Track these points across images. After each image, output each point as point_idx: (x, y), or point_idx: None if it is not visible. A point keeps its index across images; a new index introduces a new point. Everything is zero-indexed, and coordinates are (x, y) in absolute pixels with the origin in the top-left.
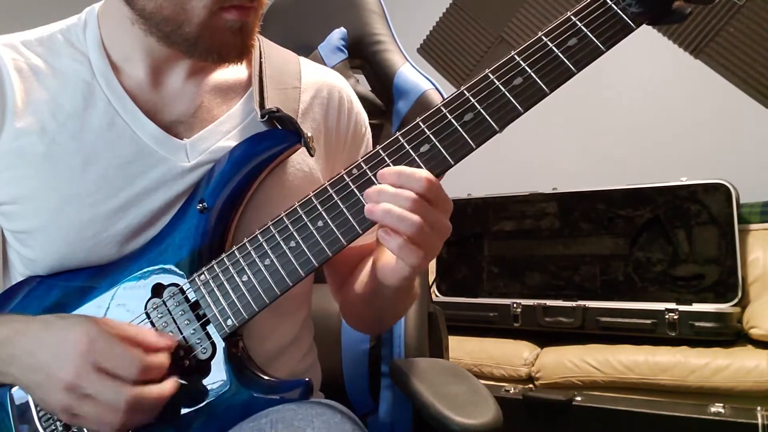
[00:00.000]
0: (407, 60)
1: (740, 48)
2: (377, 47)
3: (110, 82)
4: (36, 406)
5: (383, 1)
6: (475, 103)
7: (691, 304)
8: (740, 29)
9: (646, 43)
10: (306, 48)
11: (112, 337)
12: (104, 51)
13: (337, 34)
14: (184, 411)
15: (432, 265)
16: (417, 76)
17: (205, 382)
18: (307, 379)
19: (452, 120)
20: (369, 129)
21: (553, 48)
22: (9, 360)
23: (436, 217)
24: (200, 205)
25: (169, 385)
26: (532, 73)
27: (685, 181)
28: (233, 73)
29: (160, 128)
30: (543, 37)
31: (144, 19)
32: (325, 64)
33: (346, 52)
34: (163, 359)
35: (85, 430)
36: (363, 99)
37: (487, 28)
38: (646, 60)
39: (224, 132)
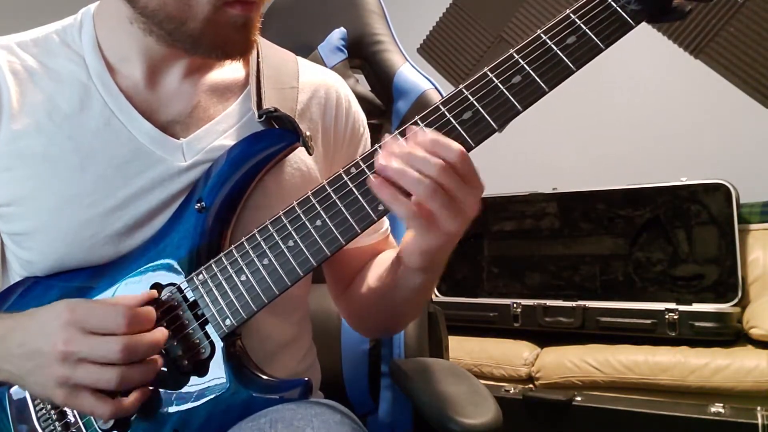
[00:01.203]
0: (407, 60)
1: (740, 48)
2: (377, 47)
3: (106, 83)
4: (34, 405)
5: (383, 1)
6: (474, 102)
7: (691, 304)
8: (740, 29)
9: (647, 43)
10: (306, 48)
11: (92, 301)
12: (100, 51)
13: (337, 34)
14: (183, 410)
15: None
16: (417, 76)
17: (203, 381)
18: (306, 379)
19: (450, 118)
20: (367, 129)
21: (552, 46)
22: (2, 357)
23: (464, 193)
24: (198, 204)
25: (160, 333)
26: (531, 72)
27: (685, 181)
28: (230, 72)
29: (156, 128)
30: (542, 35)
31: (145, 18)
32: (324, 64)
33: (346, 52)
34: (148, 309)
35: (81, 426)
36: (363, 99)
37: (487, 28)
38: (647, 60)
39: (221, 131)
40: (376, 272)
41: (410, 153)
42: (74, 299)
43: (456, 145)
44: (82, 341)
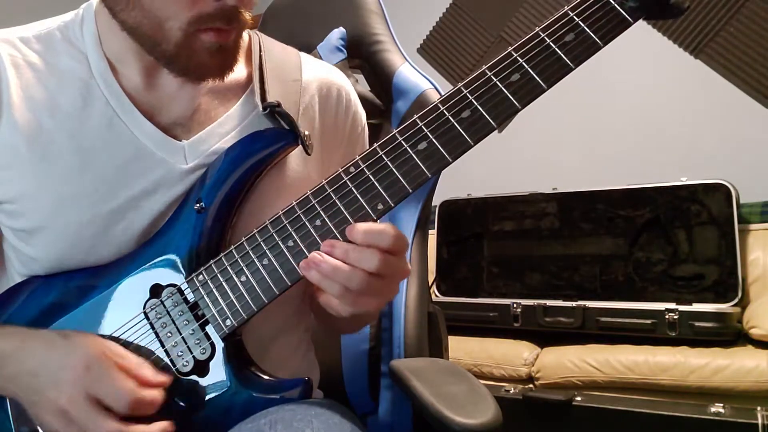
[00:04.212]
0: (406, 60)
1: (740, 48)
2: (376, 47)
3: (109, 82)
4: None
5: (383, 1)
6: (473, 100)
7: (691, 304)
8: (740, 29)
9: (647, 43)
10: (305, 48)
11: (110, 365)
12: (102, 50)
13: (337, 34)
14: (183, 411)
15: (432, 265)
16: (416, 76)
17: (204, 382)
18: (306, 378)
19: (449, 117)
20: (366, 129)
21: (551, 44)
22: (11, 378)
23: (395, 267)
24: (198, 205)
25: (156, 428)
26: (530, 69)
27: (685, 181)
28: (232, 73)
29: (158, 129)
30: (540, 32)
31: (126, 31)
32: None
33: (345, 52)
34: (156, 395)
35: None
36: (362, 99)
37: (487, 28)
38: (647, 60)
39: (223, 133)
40: None
41: (346, 251)
42: (96, 353)
43: (386, 230)
44: (81, 407)
